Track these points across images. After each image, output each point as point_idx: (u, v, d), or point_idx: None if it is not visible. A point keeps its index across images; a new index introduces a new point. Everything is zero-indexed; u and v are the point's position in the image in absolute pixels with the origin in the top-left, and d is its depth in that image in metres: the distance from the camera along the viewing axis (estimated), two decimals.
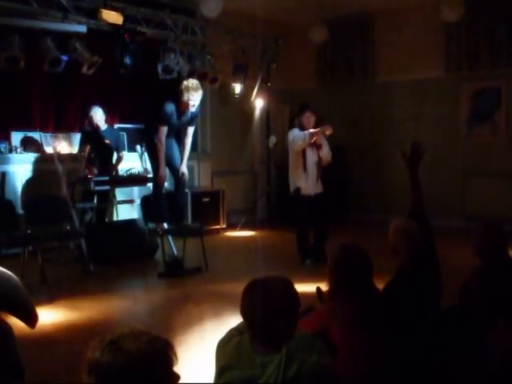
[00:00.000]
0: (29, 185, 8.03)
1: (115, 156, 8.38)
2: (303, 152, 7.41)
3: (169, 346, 1.77)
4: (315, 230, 7.64)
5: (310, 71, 12.35)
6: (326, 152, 7.52)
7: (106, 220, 8.48)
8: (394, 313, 3.05)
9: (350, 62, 11.83)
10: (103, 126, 8.20)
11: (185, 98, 7.08)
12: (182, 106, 7.20)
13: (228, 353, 2.34)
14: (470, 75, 10.43)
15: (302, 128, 7.40)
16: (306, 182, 7.45)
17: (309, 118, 7.44)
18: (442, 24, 10.27)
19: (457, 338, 3.25)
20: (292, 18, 11.18)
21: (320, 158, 7.49)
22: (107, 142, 8.14)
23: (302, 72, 12.28)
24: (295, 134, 7.43)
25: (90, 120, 8.10)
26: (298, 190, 7.47)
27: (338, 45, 11.89)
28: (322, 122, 7.58)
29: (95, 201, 8.23)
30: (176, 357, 1.77)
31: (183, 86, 7.11)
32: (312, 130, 7.31)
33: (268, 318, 2.25)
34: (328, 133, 7.33)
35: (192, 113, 7.37)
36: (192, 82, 7.18)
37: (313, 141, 7.31)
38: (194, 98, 7.15)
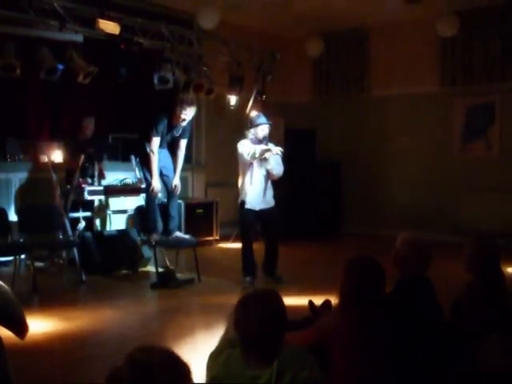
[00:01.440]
0: (22, 192, 8.02)
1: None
2: (250, 165, 7.06)
3: (189, 373, 1.70)
4: (266, 246, 7.43)
5: (306, 84, 12.41)
6: (273, 165, 7.15)
7: (99, 230, 8.45)
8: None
9: (346, 75, 11.89)
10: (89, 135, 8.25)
11: (177, 111, 7.11)
12: (174, 119, 7.22)
13: (219, 364, 2.33)
14: (464, 90, 10.48)
15: (256, 140, 7.06)
16: (253, 197, 7.08)
17: (264, 130, 7.08)
18: (437, 39, 10.34)
19: (448, 352, 3.26)
20: (288, 31, 11.23)
21: (268, 172, 7.18)
22: (90, 150, 8.14)
23: (297, 85, 12.33)
24: (245, 146, 7.01)
25: (85, 129, 8.12)
26: (242, 203, 7.13)
27: (333, 58, 11.95)
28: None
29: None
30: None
31: (178, 100, 7.13)
32: (263, 147, 6.94)
33: (262, 332, 2.25)
34: (276, 153, 7.02)
35: (183, 126, 7.38)
36: (187, 97, 7.19)
37: (262, 157, 6.99)
38: (187, 113, 7.15)
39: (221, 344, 2.50)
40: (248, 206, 7.11)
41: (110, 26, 7.73)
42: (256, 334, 2.26)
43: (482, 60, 10.19)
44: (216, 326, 5.44)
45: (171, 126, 7.28)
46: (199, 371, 4.04)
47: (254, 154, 6.86)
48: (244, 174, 7.13)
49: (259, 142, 7.02)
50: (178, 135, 7.42)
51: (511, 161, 9.98)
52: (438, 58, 10.70)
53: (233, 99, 10.03)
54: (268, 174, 7.20)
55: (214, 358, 2.41)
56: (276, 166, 7.20)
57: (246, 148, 6.97)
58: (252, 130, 7.11)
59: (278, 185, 11.28)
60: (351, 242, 10.24)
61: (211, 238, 10.05)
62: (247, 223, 7.21)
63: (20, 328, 2.72)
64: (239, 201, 7.20)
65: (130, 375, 1.53)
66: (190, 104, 7.13)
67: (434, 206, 10.58)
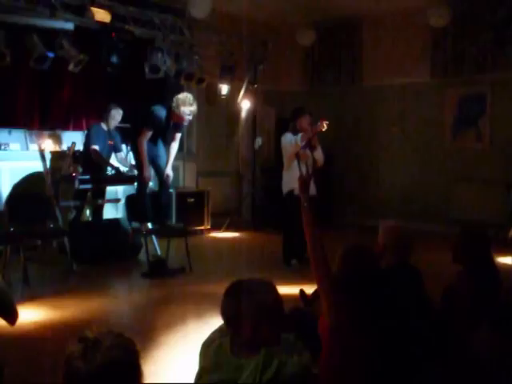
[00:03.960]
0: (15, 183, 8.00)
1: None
2: (297, 154, 7.32)
3: (131, 344, 1.75)
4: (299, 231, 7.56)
5: (298, 73, 12.39)
6: (320, 154, 7.52)
7: (89, 219, 8.43)
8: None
9: (337, 65, 11.88)
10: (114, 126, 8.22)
11: (181, 112, 7.13)
12: (174, 117, 7.24)
13: (208, 355, 2.33)
14: (455, 81, 10.49)
15: (300, 131, 7.34)
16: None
17: (307, 120, 7.42)
18: (428, 29, 10.33)
19: (440, 340, 3.28)
20: (280, 21, 11.20)
21: (315, 160, 7.41)
22: (111, 143, 8.10)
23: (289, 74, 12.31)
24: (287, 138, 7.42)
25: (110, 119, 8.07)
26: (291, 191, 7.30)
27: (325, 48, 11.93)
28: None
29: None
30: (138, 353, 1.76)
31: (180, 101, 7.14)
32: (301, 134, 7.27)
33: (249, 321, 2.24)
34: (321, 129, 7.18)
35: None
36: (188, 97, 7.21)
37: (303, 144, 7.24)
38: (190, 113, 7.21)
39: (213, 333, 2.49)
40: (297, 192, 7.27)
41: (100, 14, 7.71)
42: (241, 323, 2.25)
43: (474, 51, 10.19)
44: (207, 314, 5.44)
45: (170, 123, 7.31)
46: (191, 360, 4.05)
47: (295, 141, 7.23)
48: (290, 164, 7.35)
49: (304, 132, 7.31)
50: (175, 128, 7.46)
51: (501, 152, 10.01)
52: (430, 49, 10.69)
53: (224, 88, 10.02)
54: (314, 163, 7.37)
55: (206, 347, 2.41)
56: (321, 154, 7.57)
57: (288, 140, 7.36)
58: (291, 124, 7.51)
59: (269, 175, 11.36)
60: (343, 232, 10.24)
61: (202, 228, 10.05)
62: (297, 211, 7.29)
63: (10, 314, 2.72)
64: (287, 190, 7.42)
65: (80, 350, 1.65)
66: (192, 104, 7.17)
67: (424, 196, 10.61)
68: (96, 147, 7.89)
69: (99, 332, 1.72)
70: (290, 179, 7.31)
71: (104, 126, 8.11)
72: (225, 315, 2.33)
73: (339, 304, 2.83)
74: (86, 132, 8.47)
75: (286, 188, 7.48)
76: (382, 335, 2.90)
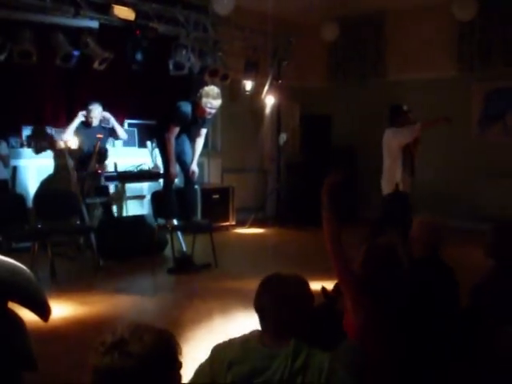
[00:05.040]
0: (43, 180, 8.09)
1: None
2: (402, 149, 7.24)
3: (172, 338, 1.76)
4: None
5: (322, 69, 12.34)
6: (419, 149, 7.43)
7: (115, 215, 8.49)
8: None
9: (362, 60, 11.80)
10: (96, 122, 8.19)
11: (203, 103, 7.08)
12: (198, 110, 7.19)
13: (234, 349, 2.34)
14: (482, 75, 10.36)
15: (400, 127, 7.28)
16: (404, 179, 7.28)
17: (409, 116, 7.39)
18: (454, 23, 10.21)
19: (469, 337, 3.25)
20: (304, 16, 11.14)
21: (414, 155, 7.38)
22: (99, 136, 8.08)
23: (313, 70, 12.25)
24: (399, 130, 7.28)
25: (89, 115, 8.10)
26: (396, 187, 7.25)
27: (349, 43, 11.85)
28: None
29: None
30: (179, 346, 1.76)
31: (204, 92, 7.09)
32: (422, 123, 7.24)
33: (276, 312, 2.29)
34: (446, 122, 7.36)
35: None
36: (213, 90, 7.15)
37: (419, 134, 7.23)
38: (213, 106, 7.13)
39: (224, 341, 2.49)
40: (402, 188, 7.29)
41: (125, 12, 7.74)
42: (273, 313, 2.30)
43: (500, 44, 10.06)
44: (232, 310, 5.46)
45: (196, 118, 7.26)
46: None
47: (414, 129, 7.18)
48: (396, 160, 7.27)
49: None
50: (201, 123, 7.41)
51: None
52: (456, 43, 10.57)
53: (248, 84, 10.02)
54: (411, 158, 7.34)
55: (224, 347, 2.40)
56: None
57: (400, 130, 7.25)
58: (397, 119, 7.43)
59: (294, 171, 11.34)
60: (367, 227, 10.20)
61: (227, 224, 10.07)
62: (402, 210, 7.32)
63: (43, 310, 2.75)
64: (391, 188, 7.30)
65: (112, 345, 1.65)
66: (217, 97, 7.11)
67: (451, 191, 10.50)
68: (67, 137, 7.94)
69: (134, 326, 1.72)
70: (396, 176, 7.27)
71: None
72: (256, 306, 2.38)
73: (363, 304, 2.82)
74: None
75: (390, 186, 7.33)
76: (408, 336, 2.88)
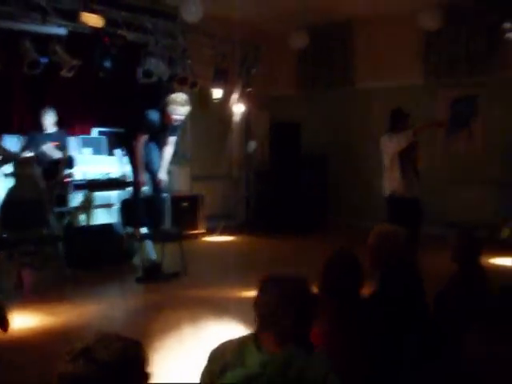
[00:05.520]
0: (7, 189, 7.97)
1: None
2: (396, 154, 7.20)
3: (139, 347, 1.75)
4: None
5: (291, 77, 12.39)
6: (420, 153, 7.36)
7: (83, 224, 8.41)
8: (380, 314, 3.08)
9: (330, 68, 11.89)
10: (51, 129, 8.12)
11: (170, 111, 7.05)
12: (166, 118, 7.16)
13: (231, 351, 2.31)
14: (448, 83, 10.51)
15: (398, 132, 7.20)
16: (404, 183, 7.23)
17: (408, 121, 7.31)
18: (421, 32, 10.36)
19: (434, 343, 3.29)
20: (273, 24, 11.20)
21: (415, 159, 7.31)
22: (55, 144, 8.01)
23: (282, 78, 12.31)
24: (394, 136, 7.19)
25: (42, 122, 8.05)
26: (393, 193, 7.23)
27: (318, 51, 11.93)
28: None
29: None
30: (147, 357, 1.76)
31: (171, 99, 7.06)
32: (415, 128, 7.17)
33: (279, 314, 2.25)
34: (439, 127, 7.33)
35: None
36: (180, 97, 7.12)
37: (413, 139, 7.13)
38: (179, 113, 7.09)
39: (222, 343, 2.46)
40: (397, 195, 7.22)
41: (93, 19, 7.69)
42: (271, 314, 2.26)
43: (467, 53, 10.22)
44: (202, 319, 5.44)
45: (164, 126, 7.23)
46: (186, 364, 4.05)
47: (409, 134, 7.05)
48: (393, 165, 7.22)
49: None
50: (168, 131, 7.38)
51: (494, 153, 10.04)
52: (422, 51, 10.71)
53: (217, 92, 10.01)
54: (413, 162, 7.29)
55: (222, 349, 2.37)
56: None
57: (397, 135, 7.12)
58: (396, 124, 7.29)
59: (263, 178, 11.37)
60: (338, 233, 10.28)
61: (197, 232, 10.04)
62: (399, 214, 7.20)
63: (2, 321, 2.72)
64: (388, 193, 7.29)
65: (76, 355, 1.65)
66: (183, 104, 7.08)
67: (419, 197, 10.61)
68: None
69: (101, 334, 1.71)
70: (391, 180, 7.25)
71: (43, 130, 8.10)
72: (255, 305, 2.34)
73: (327, 311, 2.84)
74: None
75: (387, 190, 7.34)
76: (373, 343, 2.91)
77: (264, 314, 2.29)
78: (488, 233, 8.66)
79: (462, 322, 3.36)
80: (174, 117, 7.09)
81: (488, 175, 10.01)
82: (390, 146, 7.21)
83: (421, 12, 9.75)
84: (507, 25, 7.85)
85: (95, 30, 7.85)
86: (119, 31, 8.24)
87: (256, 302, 2.34)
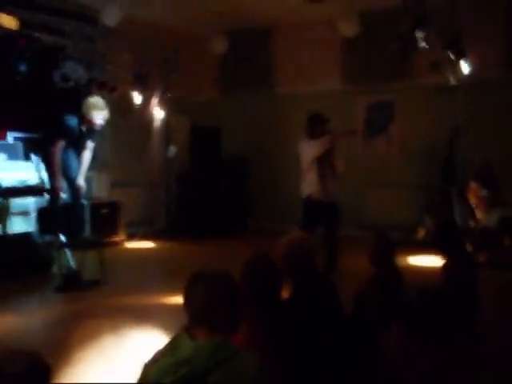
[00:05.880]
0: None
1: None
2: (314, 159, 7.21)
3: (45, 360, 1.77)
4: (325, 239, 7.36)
5: (212, 82, 12.41)
6: (339, 158, 7.36)
7: None
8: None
9: (251, 73, 11.98)
10: None
11: (89, 116, 6.96)
12: (85, 122, 7.06)
13: (164, 349, 2.39)
14: (365, 89, 10.78)
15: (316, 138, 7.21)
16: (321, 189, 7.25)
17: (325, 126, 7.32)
18: (339, 38, 10.59)
19: (353, 345, 3.36)
20: (194, 29, 11.20)
21: (331, 165, 7.30)
22: None
23: (203, 83, 12.32)
24: (311, 142, 7.23)
25: None
26: (310, 195, 7.26)
27: (239, 56, 12.01)
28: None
29: None
30: (51, 369, 1.77)
31: (88, 105, 6.97)
32: (331, 135, 7.18)
33: (209, 306, 2.33)
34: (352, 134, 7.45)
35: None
36: (97, 101, 7.04)
37: (329, 146, 7.15)
38: (100, 117, 7.03)
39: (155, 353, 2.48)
40: (315, 197, 7.21)
41: (7, 21, 7.48)
42: (202, 307, 2.33)
43: (381, 60, 10.50)
44: (123, 328, 5.36)
45: (82, 131, 7.12)
46: (106, 376, 3.98)
47: (323, 142, 7.05)
48: (310, 169, 7.21)
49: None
50: (87, 136, 7.27)
51: (410, 157, 10.35)
52: (341, 57, 10.95)
53: (137, 97, 9.91)
54: (331, 167, 7.25)
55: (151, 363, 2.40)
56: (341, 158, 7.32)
57: (311, 142, 7.14)
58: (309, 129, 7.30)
59: (184, 183, 11.32)
60: (258, 238, 10.33)
61: (117, 239, 9.89)
62: (315, 216, 7.28)
63: None
64: (306, 195, 7.28)
65: None
66: (101, 108, 6.99)
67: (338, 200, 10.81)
68: None
69: (8, 350, 1.72)
70: (309, 183, 7.27)
71: None
72: (185, 302, 2.40)
73: (246, 316, 2.87)
74: None
75: (305, 192, 7.36)
76: (292, 347, 2.95)
77: (194, 312, 2.36)
78: (404, 234, 8.95)
79: (379, 322, 3.45)
80: (96, 121, 7.01)
81: (405, 178, 10.31)
82: (308, 151, 7.29)
83: (339, 19, 9.97)
84: (419, 34, 8.13)
85: (10, 31, 7.63)
86: (35, 34, 8.03)
87: (185, 300, 2.41)
